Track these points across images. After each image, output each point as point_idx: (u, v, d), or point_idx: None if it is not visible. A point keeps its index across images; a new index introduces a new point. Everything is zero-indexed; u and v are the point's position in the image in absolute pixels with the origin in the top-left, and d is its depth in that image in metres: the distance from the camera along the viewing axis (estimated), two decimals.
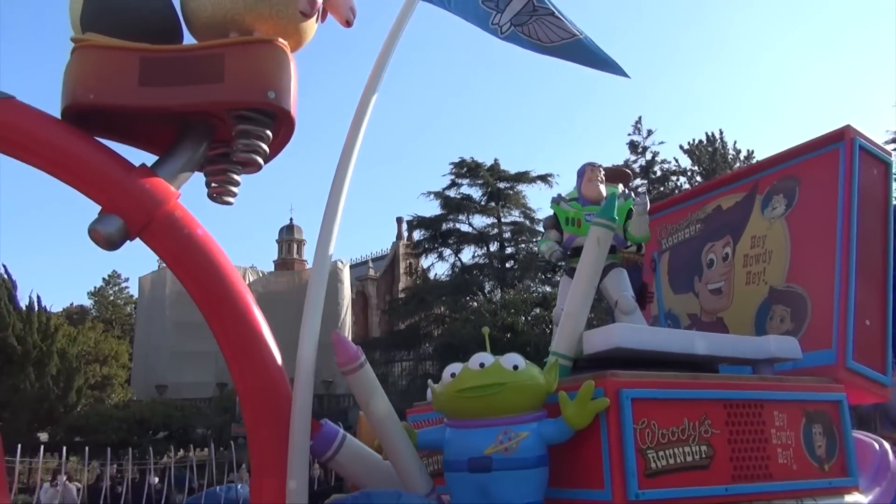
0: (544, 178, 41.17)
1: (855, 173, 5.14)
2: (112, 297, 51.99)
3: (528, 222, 40.30)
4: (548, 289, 40.50)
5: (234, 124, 4.10)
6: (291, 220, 53.00)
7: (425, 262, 43.84)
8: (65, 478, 13.41)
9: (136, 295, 47.81)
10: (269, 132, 4.13)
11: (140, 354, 43.81)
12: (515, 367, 3.86)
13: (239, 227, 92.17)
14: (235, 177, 4.51)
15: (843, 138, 5.25)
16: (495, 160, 40.94)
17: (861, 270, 4.95)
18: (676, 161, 39.97)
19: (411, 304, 41.35)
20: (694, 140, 40.30)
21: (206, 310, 3.99)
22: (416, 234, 43.57)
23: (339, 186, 4.19)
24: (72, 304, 49.77)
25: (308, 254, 52.39)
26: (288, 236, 51.68)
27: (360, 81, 4.51)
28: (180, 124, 4.23)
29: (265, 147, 4.15)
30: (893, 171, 5.44)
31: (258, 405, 3.94)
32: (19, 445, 14.57)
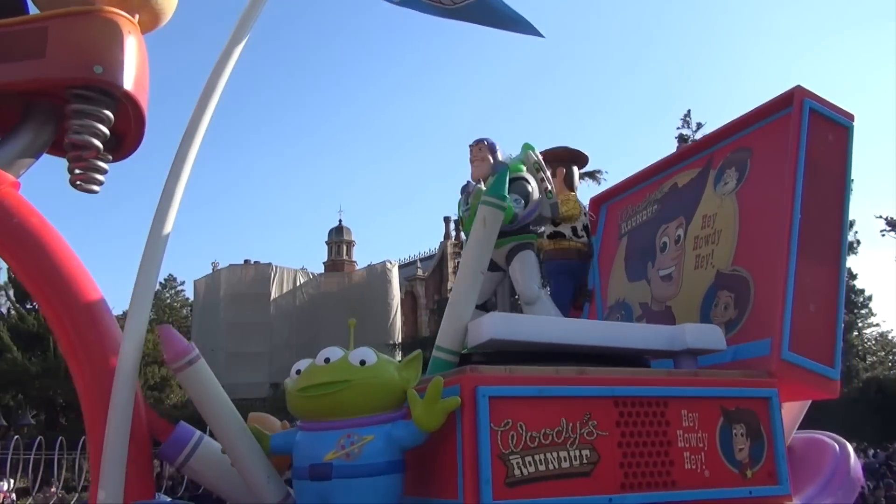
0: (592, 175, 40.14)
1: (802, 140, 4.52)
2: (169, 300, 53.14)
3: None
4: None
5: (70, 104, 3.78)
6: (340, 221, 53.34)
7: None
8: None
9: (191, 298, 48.80)
10: (107, 112, 3.79)
11: None
12: (363, 363, 3.43)
13: (290, 230, 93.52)
14: (100, 164, 4.19)
15: (792, 101, 4.63)
16: None
17: (806, 249, 4.33)
18: None
19: None
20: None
21: (40, 302, 3.69)
22: (464, 234, 43.13)
23: (170, 191, 3.77)
24: None
25: (357, 255, 52.75)
26: (337, 238, 51.95)
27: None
28: (23, 106, 3.94)
29: (102, 128, 3.82)
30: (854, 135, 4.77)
31: (96, 406, 3.61)
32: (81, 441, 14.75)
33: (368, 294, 46.08)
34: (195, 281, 46.55)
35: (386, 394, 3.42)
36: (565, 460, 3.41)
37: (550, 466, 3.38)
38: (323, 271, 50.26)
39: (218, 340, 43.24)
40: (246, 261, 46.45)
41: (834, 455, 4.58)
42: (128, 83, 3.77)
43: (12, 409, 32.64)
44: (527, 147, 4.99)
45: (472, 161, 4.77)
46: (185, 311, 53.61)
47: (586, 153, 6.10)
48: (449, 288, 47.36)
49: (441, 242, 52.22)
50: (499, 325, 3.68)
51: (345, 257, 51.42)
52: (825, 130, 4.66)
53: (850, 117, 4.77)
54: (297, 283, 46.30)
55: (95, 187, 4.22)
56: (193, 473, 3.84)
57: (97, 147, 3.81)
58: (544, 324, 3.86)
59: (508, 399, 3.37)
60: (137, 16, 4.00)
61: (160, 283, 54.46)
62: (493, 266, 4.79)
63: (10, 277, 37.50)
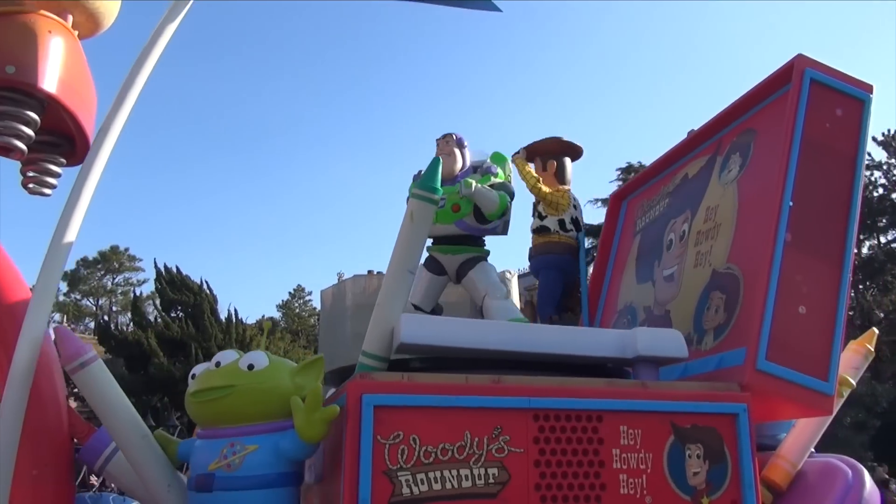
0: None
1: (800, 116, 3.93)
2: (297, 310, 55.18)
3: None
4: None
5: None
6: None
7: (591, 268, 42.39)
8: None
9: (318, 307, 50.38)
10: (31, 114, 3.79)
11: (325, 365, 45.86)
12: (251, 367, 3.22)
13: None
14: (53, 167, 4.22)
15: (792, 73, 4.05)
16: None
17: (799, 242, 3.74)
18: (870, 155, 35.56)
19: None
20: (890, 131, 35.70)
21: None
22: (586, 242, 42.25)
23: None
24: (262, 317, 53.37)
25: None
26: None
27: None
28: None
29: (26, 130, 3.81)
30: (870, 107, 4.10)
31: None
32: None
33: None
34: (322, 291, 47.51)
35: (274, 401, 3.19)
36: (467, 479, 3.05)
37: (448, 485, 3.03)
38: None
39: (344, 349, 43.93)
40: (370, 271, 46.61)
41: (845, 483, 3.92)
42: (49, 85, 3.73)
43: (160, 411, 34.79)
44: (503, 158, 4.75)
45: (439, 155, 4.48)
46: (312, 320, 55.49)
47: (580, 145, 5.66)
48: None
49: None
50: (409, 328, 3.37)
51: None
52: (832, 104, 4.03)
53: (867, 88, 4.11)
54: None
55: (48, 191, 4.25)
56: (112, 478, 3.75)
57: (20, 149, 3.80)
58: (460, 327, 3.50)
59: (400, 409, 3.06)
60: (70, 18, 3.97)
61: (290, 292, 56.76)
62: (441, 270, 4.53)
63: (157, 288, 40.15)
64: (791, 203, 3.78)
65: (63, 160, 4.29)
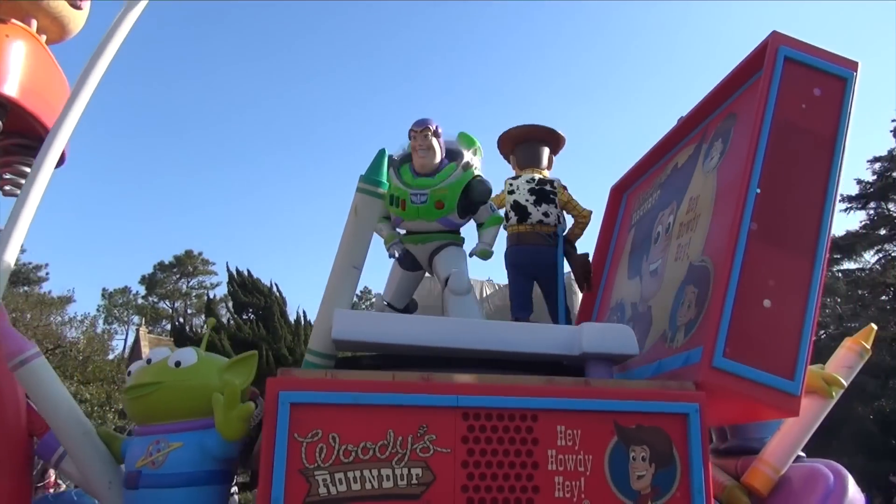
0: None
1: (771, 97, 3.69)
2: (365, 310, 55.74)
3: None
4: None
5: None
6: None
7: None
8: None
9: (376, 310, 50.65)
10: None
11: None
12: (178, 364, 3.20)
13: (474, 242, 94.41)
14: (27, 169, 4.32)
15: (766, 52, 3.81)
16: None
17: (766, 231, 3.51)
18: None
19: None
20: None
21: None
22: None
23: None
24: None
25: None
26: None
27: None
28: None
29: None
30: (854, 86, 3.81)
31: None
32: None
33: None
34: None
35: (200, 398, 3.16)
36: (388, 479, 2.96)
37: (368, 485, 2.94)
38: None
39: None
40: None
41: (825, 488, 3.66)
42: (10, 89, 3.80)
43: None
44: (471, 139, 4.57)
45: (415, 149, 4.34)
46: None
47: (560, 132, 5.42)
48: None
49: None
50: (340, 325, 3.29)
51: None
52: (809, 83, 3.77)
53: (850, 66, 3.83)
54: (484, 294, 46.32)
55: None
56: (67, 474, 3.78)
57: None
58: (394, 323, 3.40)
59: (320, 406, 2.98)
60: (34, 23, 4.04)
61: (357, 295, 57.24)
62: (415, 264, 4.43)
63: (229, 290, 41.22)
64: (758, 190, 3.55)
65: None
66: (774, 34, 3.80)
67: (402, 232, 4.51)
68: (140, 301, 61.52)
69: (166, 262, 60.82)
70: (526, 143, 5.32)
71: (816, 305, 3.47)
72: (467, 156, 4.43)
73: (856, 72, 3.81)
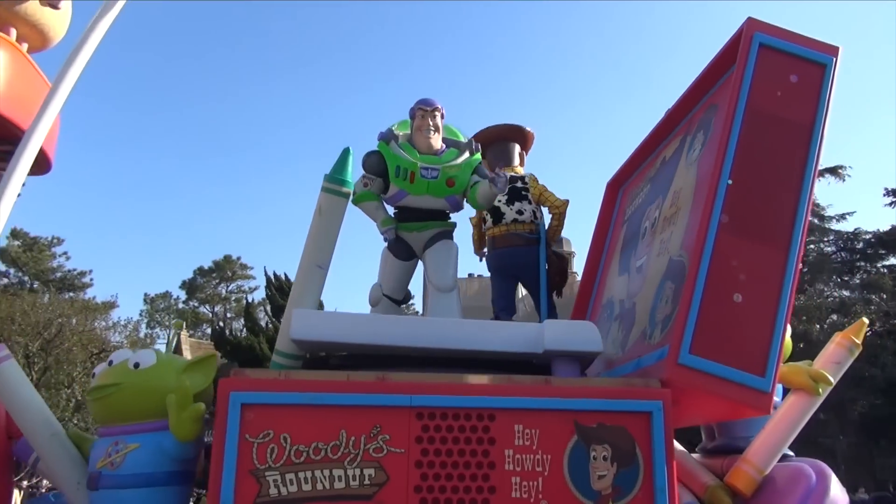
0: (834, 171, 36.55)
1: (744, 85, 3.59)
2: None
3: (816, 220, 35.82)
4: (845, 293, 35.72)
5: None
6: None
7: None
8: None
9: (420, 312, 50.64)
10: None
11: None
12: (136, 366, 3.21)
13: None
14: None
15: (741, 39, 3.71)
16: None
17: (738, 224, 3.41)
18: None
19: None
20: None
21: None
22: None
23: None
24: None
25: (578, 266, 51.57)
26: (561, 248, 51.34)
27: None
28: None
29: None
30: (833, 72, 3.68)
31: None
32: None
33: None
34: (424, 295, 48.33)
35: (157, 399, 3.17)
36: (340, 480, 2.93)
37: (319, 486, 2.92)
38: None
39: None
40: (470, 274, 47.17)
41: (807, 487, 3.54)
42: None
43: None
44: (455, 132, 4.51)
45: (421, 128, 4.19)
46: None
47: (528, 129, 5.34)
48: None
49: None
50: (298, 324, 3.28)
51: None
52: (786, 70, 3.66)
53: (830, 51, 3.70)
54: (519, 296, 46.17)
55: None
56: (44, 475, 3.83)
57: None
58: (351, 322, 3.37)
59: (271, 407, 2.97)
60: (14, 31, 4.10)
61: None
62: (410, 253, 4.31)
63: (267, 294, 41.70)
64: (730, 181, 3.45)
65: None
66: (749, 20, 3.70)
67: (394, 215, 4.39)
68: (181, 306, 62.45)
69: (206, 268, 61.66)
70: (496, 144, 5.28)
71: (790, 299, 3.36)
72: (475, 147, 4.36)
73: (835, 57, 3.69)
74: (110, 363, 3.32)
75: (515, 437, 3.06)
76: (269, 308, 41.31)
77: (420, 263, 4.47)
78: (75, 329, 33.52)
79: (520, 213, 4.87)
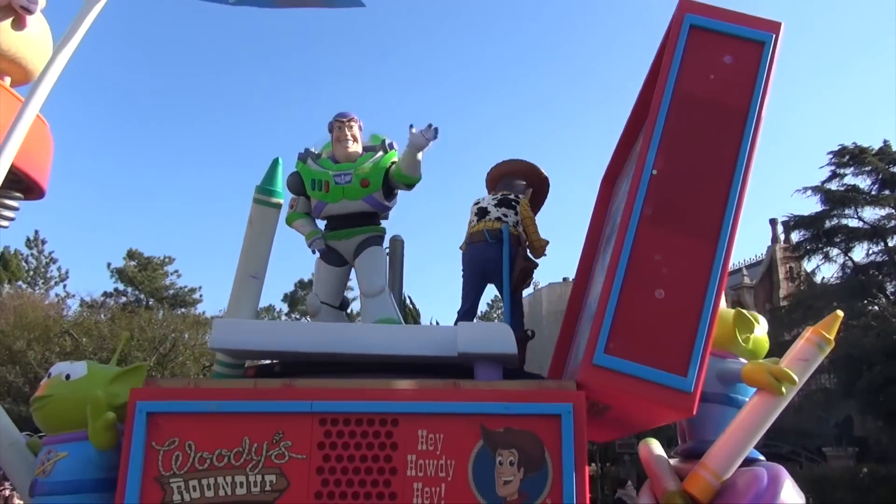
0: None
1: (673, 71, 3.45)
2: (496, 318, 55.74)
3: None
4: None
5: None
6: None
7: (808, 265, 38.21)
8: None
9: None
10: None
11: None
12: (67, 377, 3.38)
13: (569, 236, 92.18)
14: (9, 202, 4.69)
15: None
16: (885, 142, 34.56)
17: (662, 216, 3.27)
18: None
19: (797, 312, 36.35)
20: None
21: None
22: (795, 236, 38.58)
23: None
24: None
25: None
26: None
27: None
28: None
29: None
30: (771, 50, 3.46)
31: None
32: None
33: None
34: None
35: (84, 410, 3.30)
36: (242, 486, 2.99)
37: (221, 492, 2.99)
38: None
39: (544, 357, 43.94)
40: (564, 278, 46.52)
41: (757, 490, 3.33)
42: None
43: None
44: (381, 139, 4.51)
45: (339, 139, 4.33)
46: None
47: (543, 172, 5.25)
48: (782, 295, 42.84)
49: (769, 246, 47.65)
50: (217, 333, 3.36)
51: None
52: (720, 51, 3.48)
53: (770, 28, 3.50)
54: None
55: (4, 223, 4.71)
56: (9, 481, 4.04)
57: None
58: (269, 330, 3.43)
59: (177, 415, 3.06)
60: None
61: (488, 304, 57.55)
62: (341, 260, 4.35)
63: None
64: (654, 172, 3.31)
65: (20, 195, 4.73)
66: (682, 1, 3.54)
67: (324, 228, 4.43)
68: (283, 318, 64.47)
69: (306, 280, 63.45)
70: (506, 178, 5.23)
71: (717, 293, 3.18)
72: (392, 145, 4.37)
73: (776, 34, 3.48)
74: (49, 375, 3.49)
75: (419, 442, 3.03)
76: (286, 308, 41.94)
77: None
78: (188, 343, 35.15)
79: (504, 215, 4.79)
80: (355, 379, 3.22)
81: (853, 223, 34.62)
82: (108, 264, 44.39)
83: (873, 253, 34.24)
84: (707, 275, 3.19)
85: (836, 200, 34.26)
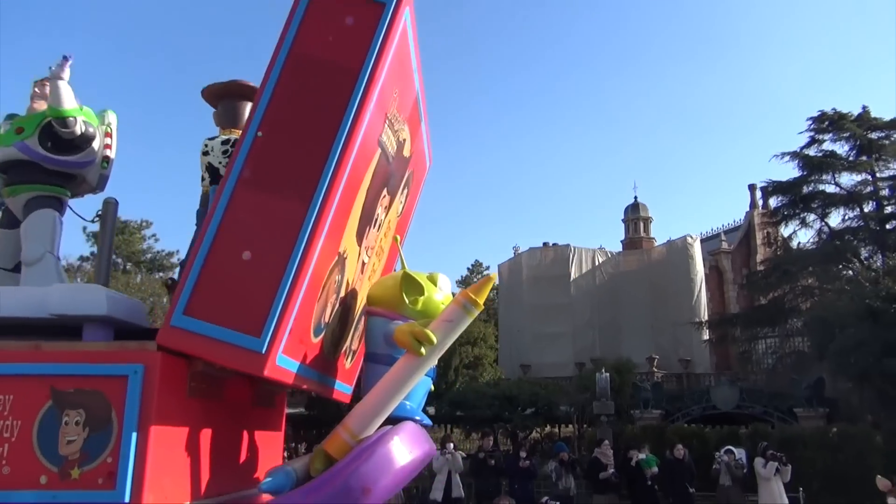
0: None
1: (290, 31, 3.39)
2: None
3: None
4: None
5: None
6: (636, 198, 51.42)
7: (785, 230, 38.19)
8: (452, 446, 14.42)
9: (497, 281, 50.41)
10: None
11: (504, 336, 46.10)
12: None
13: (586, 211, 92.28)
14: None
15: None
16: (864, 108, 34.20)
17: (260, 178, 3.23)
18: None
19: (773, 277, 36.55)
20: None
21: None
22: (773, 201, 38.43)
23: None
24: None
25: (655, 231, 50.23)
26: (633, 215, 49.97)
27: None
28: None
29: None
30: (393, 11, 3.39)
31: None
32: None
33: (669, 271, 43.73)
34: (499, 265, 48.16)
35: None
36: None
37: None
38: (621, 249, 48.69)
39: (523, 322, 44.16)
40: (545, 243, 46.74)
41: (359, 450, 3.35)
42: None
43: None
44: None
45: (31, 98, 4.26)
46: (491, 293, 55.69)
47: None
48: (759, 260, 42.68)
49: (747, 212, 47.46)
50: None
51: (642, 234, 49.25)
52: (341, 13, 3.42)
53: None
54: (596, 263, 45.29)
55: None
56: None
57: None
58: None
59: None
60: None
61: (468, 268, 57.38)
62: (14, 221, 4.19)
63: None
64: (259, 133, 3.27)
65: None
66: None
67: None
68: None
69: None
70: (227, 100, 4.78)
71: (308, 255, 3.15)
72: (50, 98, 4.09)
73: None
74: None
75: None
76: None
77: None
78: (166, 307, 35.27)
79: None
80: None
81: (830, 189, 34.47)
82: (84, 228, 44.35)
83: (849, 218, 34.16)
84: (294, 235, 3.15)
85: (814, 166, 34.14)
